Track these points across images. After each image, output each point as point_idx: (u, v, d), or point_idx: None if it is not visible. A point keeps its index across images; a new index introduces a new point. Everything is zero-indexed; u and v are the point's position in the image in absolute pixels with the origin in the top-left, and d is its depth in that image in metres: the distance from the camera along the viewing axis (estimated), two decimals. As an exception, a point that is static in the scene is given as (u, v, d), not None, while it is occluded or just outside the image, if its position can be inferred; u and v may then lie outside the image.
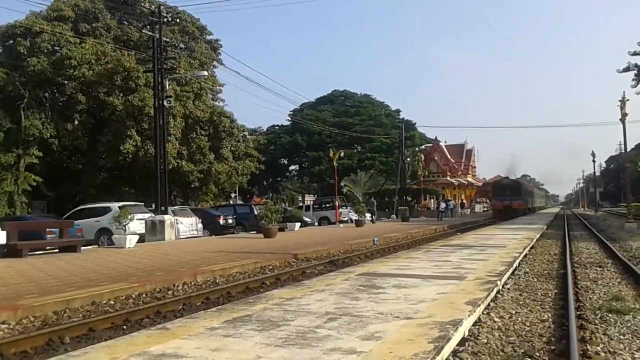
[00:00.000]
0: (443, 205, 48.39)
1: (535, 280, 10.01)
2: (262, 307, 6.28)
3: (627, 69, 38.79)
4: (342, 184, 51.40)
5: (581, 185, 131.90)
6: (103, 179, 35.21)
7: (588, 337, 5.74)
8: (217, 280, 10.93)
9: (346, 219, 39.13)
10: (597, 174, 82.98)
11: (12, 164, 31.08)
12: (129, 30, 37.84)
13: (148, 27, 25.14)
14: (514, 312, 6.97)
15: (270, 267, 13.01)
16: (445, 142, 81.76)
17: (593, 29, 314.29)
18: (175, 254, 15.34)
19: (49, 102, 33.60)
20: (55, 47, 35.21)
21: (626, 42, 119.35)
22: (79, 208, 23.42)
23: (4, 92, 31.78)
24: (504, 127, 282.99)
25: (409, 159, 57.71)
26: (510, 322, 6.38)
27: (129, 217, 18.61)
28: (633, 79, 38.93)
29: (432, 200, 64.41)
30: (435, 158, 76.91)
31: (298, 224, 28.88)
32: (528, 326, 6.25)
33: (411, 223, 36.68)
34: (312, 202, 49.37)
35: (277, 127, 72.55)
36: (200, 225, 25.47)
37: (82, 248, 16.66)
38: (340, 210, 39.51)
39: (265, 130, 67.61)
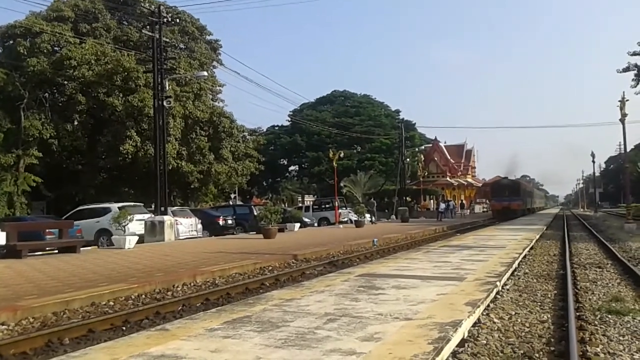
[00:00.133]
0: (443, 205, 48.37)
1: (535, 281, 10.01)
2: (262, 308, 6.28)
3: (627, 69, 38.87)
4: (341, 184, 51.36)
5: (581, 185, 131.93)
6: (103, 180, 35.20)
7: (587, 338, 5.74)
8: (217, 281, 10.93)
9: (346, 219, 39.14)
10: (597, 174, 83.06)
11: (11, 164, 31.07)
12: (129, 30, 37.85)
13: (148, 27, 25.14)
14: (513, 313, 6.97)
15: (270, 268, 13.01)
16: (445, 142, 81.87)
17: (594, 29, 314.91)
18: (174, 254, 15.34)
19: (48, 103, 33.58)
20: (55, 48, 35.21)
21: (627, 42, 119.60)
22: (78, 209, 23.43)
23: (4, 93, 31.77)
24: (503, 128, 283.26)
25: (408, 160, 57.72)
26: (509, 323, 6.37)
27: (129, 217, 18.60)
28: (633, 79, 39.01)
29: (431, 200, 64.42)
30: (435, 158, 76.92)
31: (298, 225, 28.89)
32: (527, 327, 6.25)
33: (411, 224, 36.68)
34: (311, 203, 49.38)
35: (276, 128, 72.56)
36: (199, 226, 25.47)
37: (81, 249, 16.66)
38: (340, 210, 39.52)
39: (264, 130, 67.64)
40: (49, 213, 32.86)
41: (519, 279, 10.10)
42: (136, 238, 18.54)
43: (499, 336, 5.74)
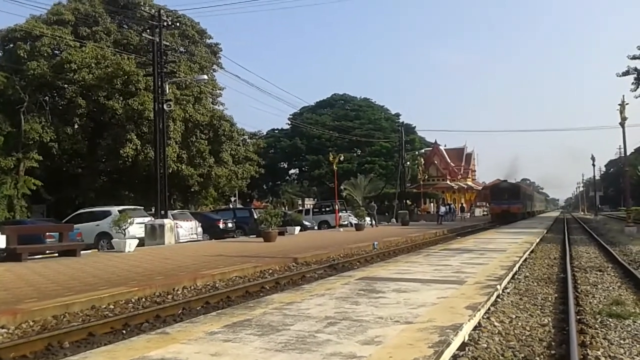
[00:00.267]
0: (443, 209, 48.39)
1: (536, 284, 10.01)
2: (262, 311, 6.27)
3: (626, 73, 38.84)
4: (341, 187, 51.38)
5: (581, 189, 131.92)
6: (103, 183, 35.18)
7: (588, 342, 5.73)
8: (217, 285, 10.92)
9: (346, 222, 39.11)
10: (597, 177, 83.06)
11: (11, 167, 31.07)
12: (129, 34, 37.89)
13: (148, 30, 25.15)
14: (514, 316, 6.96)
15: (270, 271, 13.00)
16: (445, 145, 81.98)
17: (594, 29, 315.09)
18: (174, 258, 15.33)
19: (49, 106, 33.59)
20: (55, 51, 35.22)
21: (627, 42, 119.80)
22: (78, 212, 23.42)
23: (4, 96, 31.79)
24: (503, 131, 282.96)
25: (408, 163, 57.77)
26: (510, 327, 6.37)
27: (129, 221, 18.58)
28: (633, 83, 38.98)
29: (432, 204, 64.44)
30: (435, 162, 76.99)
31: (298, 228, 28.87)
32: (528, 331, 6.25)
33: (411, 227, 36.70)
34: (311, 206, 49.39)
35: (276, 131, 72.63)
36: (199, 229, 25.46)
37: (81, 252, 16.63)
38: (340, 214, 39.49)
39: (265, 134, 67.60)
40: (49, 216, 32.83)
41: (519, 282, 10.09)
42: (136, 241, 18.52)
43: (499, 340, 5.73)
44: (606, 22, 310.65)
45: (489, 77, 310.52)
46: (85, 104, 33.07)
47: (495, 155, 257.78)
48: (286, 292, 8.38)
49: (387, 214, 52.67)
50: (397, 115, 75.19)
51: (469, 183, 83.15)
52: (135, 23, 37.54)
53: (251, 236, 26.95)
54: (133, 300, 8.99)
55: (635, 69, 38.17)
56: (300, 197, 72.65)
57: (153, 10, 27.20)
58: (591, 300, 8.38)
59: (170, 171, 29.21)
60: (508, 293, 8.72)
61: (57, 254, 16.42)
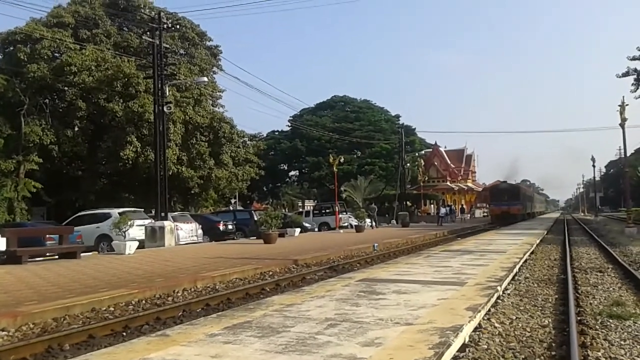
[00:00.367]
0: (443, 210, 48.37)
1: (536, 285, 10.00)
2: (262, 313, 6.27)
3: (626, 74, 38.87)
4: (342, 189, 51.39)
5: (581, 190, 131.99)
6: (103, 185, 35.19)
7: (589, 343, 5.73)
8: (217, 287, 10.91)
9: (346, 224, 39.10)
10: (597, 178, 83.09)
11: (12, 170, 31.10)
12: (129, 36, 37.92)
13: (148, 33, 25.19)
14: (514, 317, 6.96)
15: (270, 273, 13.00)
16: (445, 147, 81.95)
17: (594, 29, 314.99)
18: (175, 260, 15.33)
19: (49, 109, 33.64)
20: (56, 54, 35.28)
21: (627, 43, 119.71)
22: (78, 214, 23.40)
23: (4, 99, 31.83)
24: (503, 132, 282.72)
25: (408, 164, 57.77)
26: (510, 328, 6.36)
27: (129, 223, 18.59)
28: (632, 84, 39.01)
29: (432, 205, 64.43)
30: (435, 163, 77.01)
31: (298, 230, 28.87)
32: (529, 332, 6.24)
33: (411, 228, 36.69)
34: (312, 208, 49.38)
35: (276, 133, 72.67)
36: (200, 231, 25.46)
37: (81, 254, 16.65)
38: (340, 215, 39.49)
39: (265, 135, 67.76)
40: (49, 219, 32.89)
41: (519, 283, 10.09)
42: (136, 243, 18.53)
43: (500, 341, 5.73)
44: (606, 22, 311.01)
45: (489, 78, 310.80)
46: (86, 107, 33.12)
47: (496, 156, 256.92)
48: (286, 293, 8.38)
49: (387, 215, 52.69)
50: (397, 116, 75.26)
51: (469, 184, 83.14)
52: (136, 25, 37.59)
53: (251, 238, 26.96)
54: (133, 303, 8.98)
55: (635, 70, 38.19)
56: (301, 198, 72.68)
57: (153, 13, 27.23)
58: (591, 301, 8.38)
59: (170, 173, 29.23)
60: (508, 294, 8.72)
61: (57, 257, 16.43)
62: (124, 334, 7.17)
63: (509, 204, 44.19)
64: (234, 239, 27.82)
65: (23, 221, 28.29)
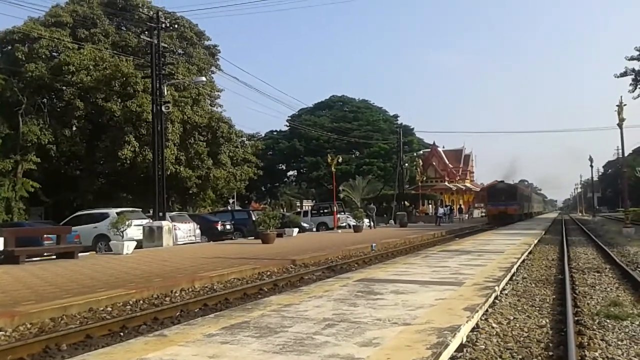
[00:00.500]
0: (441, 210, 48.38)
1: (534, 285, 10.01)
2: (260, 313, 6.27)
3: (624, 74, 38.94)
4: (340, 189, 51.40)
5: (579, 190, 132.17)
6: (101, 185, 35.16)
7: (586, 343, 5.73)
8: (215, 287, 10.91)
9: (344, 224, 39.12)
10: (595, 179, 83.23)
11: (9, 170, 31.05)
12: (127, 36, 37.89)
13: (146, 32, 25.17)
14: (512, 317, 6.96)
15: (268, 273, 12.99)
16: (444, 147, 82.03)
17: (594, 29, 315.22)
18: (173, 260, 15.32)
19: (47, 108, 33.61)
20: (54, 53, 35.23)
21: (627, 43, 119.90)
22: (76, 214, 23.37)
23: (2, 98, 31.77)
24: (502, 132, 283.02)
25: (407, 164, 57.78)
26: (508, 328, 6.37)
27: (127, 223, 18.57)
28: (630, 84, 39.09)
29: (430, 205, 64.47)
30: (433, 163, 77.06)
31: (296, 230, 28.86)
32: (526, 332, 6.25)
33: (409, 228, 36.70)
34: (310, 208, 49.38)
35: (275, 133, 72.63)
36: (198, 231, 25.44)
37: (79, 254, 16.62)
38: (338, 215, 39.51)
39: (263, 135, 67.71)
40: (47, 219, 32.85)
41: (517, 283, 10.10)
42: (134, 243, 18.50)
43: (497, 341, 5.74)
44: (606, 22, 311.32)
45: (488, 78, 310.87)
46: (84, 106, 33.08)
47: (495, 156, 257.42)
48: (284, 294, 8.38)
49: (385, 215, 52.69)
50: (396, 116, 75.29)
51: (467, 184, 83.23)
52: (134, 25, 37.58)
53: (249, 238, 26.95)
54: (131, 303, 8.97)
55: (633, 70, 38.26)
56: (299, 198, 72.70)
57: (151, 12, 27.18)
58: (589, 302, 8.39)
59: (168, 173, 29.20)
60: (506, 294, 8.72)
61: (55, 256, 16.40)
62: (122, 334, 7.16)
63: (506, 204, 43.84)
64: (232, 239, 27.81)
65: (21, 221, 28.23)
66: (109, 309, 8.49)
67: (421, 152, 77.50)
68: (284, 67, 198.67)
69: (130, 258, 16.21)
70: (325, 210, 41.20)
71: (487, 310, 7.09)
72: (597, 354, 5.34)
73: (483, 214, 67.16)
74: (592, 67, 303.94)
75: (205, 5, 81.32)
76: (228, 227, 28.50)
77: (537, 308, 7.76)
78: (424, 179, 65.85)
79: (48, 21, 35.43)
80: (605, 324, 6.70)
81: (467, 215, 63.61)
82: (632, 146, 68.09)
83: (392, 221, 48.41)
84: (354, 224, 34.26)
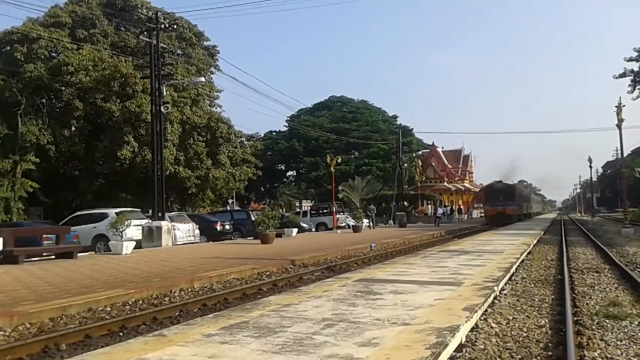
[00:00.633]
0: (440, 210, 48.35)
1: (533, 285, 10.02)
2: (259, 313, 6.27)
3: (623, 75, 39.03)
4: (339, 189, 51.41)
5: (578, 190, 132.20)
6: (100, 185, 35.12)
7: (585, 343, 5.74)
8: (214, 287, 10.91)
9: (343, 224, 39.12)
10: (594, 179, 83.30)
11: (8, 170, 31.02)
12: (126, 36, 37.88)
13: (145, 33, 25.15)
14: (511, 317, 6.97)
15: (268, 273, 13.00)
16: (443, 147, 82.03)
17: (596, 29, 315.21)
18: (172, 260, 15.32)
19: (46, 108, 33.57)
20: (53, 53, 35.20)
21: (629, 43, 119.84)
22: (75, 214, 23.36)
23: (1, 99, 31.75)
24: (501, 133, 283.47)
25: (406, 165, 57.79)
26: (507, 328, 6.37)
27: (126, 223, 18.57)
28: (629, 85, 39.17)
29: (429, 205, 64.48)
30: (433, 164, 77.05)
31: (295, 230, 28.88)
32: (525, 332, 6.25)
33: (408, 229, 36.72)
34: (309, 208, 49.37)
35: (274, 133, 72.65)
36: (197, 231, 25.43)
37: (78, 254, 16.61)
38: (338, 216, 39.51)
39: (262, 136, 67.74)
40: (46, 219, 32.80)
41: (516, 283, 10.10)
42: (133, 243, 18.50)
43: (496, 341, 5.74)
44: (609, 22, 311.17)
45: (490, 78, 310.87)
46: (83, 107, 33.05)
47: (496, 156, 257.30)
48: (283, 294, 8.38)
49: (384, 215, 52.70)
50: (395, 117, 75.33)
51: (467, 185, 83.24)
52: (133, 25, 37.58)
53: (248, 238, 26.94)
54: (130, 303, 8.97)
55: (632, 71, 38.34)
56: (298, 199, 72.70)
57: (150, 13, 27.19)
58: (588, 302, 8.39)
59: (167, 173, 29.19)
60: (505, 294, 8.73)
61: (54, 257, 16.40)
62: (121, 334, 7.17)
63: (504, 204, 43.33)
64: (231, 239, 27.81)
65: (20, 221, 28.19)
66: (108, 309, 8.49)
67: (420, 152, 77.55)
68: (284, 68, 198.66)
69: (130, 258, 16.21)
70: (325, 211, 41.19)
71: (486, 311, 7.09)
72: (596, 354, 5.34)
73: (482, 215, 67.16)
74: (594, 67, 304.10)
75: (204, 5, 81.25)
76: (227, 227, 28.49)
77: (536, 308, 7.76)
78: (423, 179, 65.84)
79: (47, 21, 35.42)
80: (605, 324, 6.70)
81: (466, 216, 63.62)
82: (631, 147, 68.31)
83: (391, 221, 48.43)
84: (353, 224, 34.27)
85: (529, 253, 15.95)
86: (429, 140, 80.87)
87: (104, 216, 21.77)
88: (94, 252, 19.85)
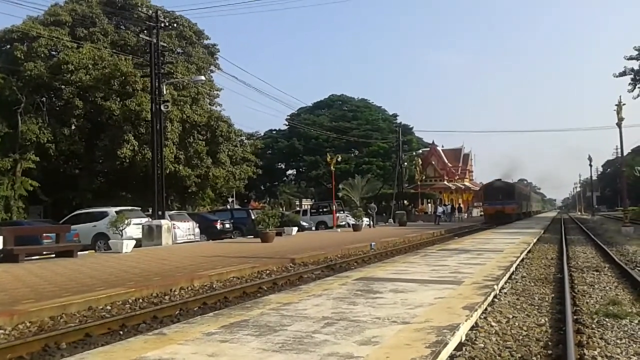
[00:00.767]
0: (440, 209, 48.32)
1: (533, 284, 10.02)
2: (259, 312, 6.27)
3: (623, 74, 38.99)
4: (339, 187, 51.42)
5: (578, 189, 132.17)
6: (100, 184, 35.15)
7: (585, 342, 5.74)
8: (214, 285, 10.92)
9: (343, 223, 39.14)
10: (594, 178, 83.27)
11: (8, 168, 31.02)
12: (126, 35, 37.87)
13: (145, 31, 25.13)
14: (511, 316, 6.97)
15: (268, 271, 13.00)
16: (443, 146, 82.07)
17: (594, 29, 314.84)
18: (172, 258, 15.32)
19: (46, 107, 33.56)
20: (53, 52, 35.18)
21: (627, 42, 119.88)
22: (75, 213, 23.36)
23: (1, 97, 31.74)
24: (501, 132, 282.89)
25: (406, 164, 57.80)
26: (507, 327, 6.37)
27: (126, 221, 18.56)
28: (629, 84, 39.13)
29: (429, 204, 64.48)
30: (433, 162, 77.09)
31: (295, 229, 28.88)
32: (525, 331, 6.26)
33: (408, 227, 36.73)
34: (309, 207, 49.37)
35: (274, 132, 72.61)
36: (197, 230, 25.44)
37: (78, 253, 16.60)
38: (338, 214, 39.51)
39: (262, 134, 67.71)
40: (46, 217, 32.78)
41: (516, 282, 10.11)
42: (133, 242, 18.49)
43: (496, 340, 5.74)
44: (606, 22, 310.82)
45: (488, 78, 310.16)
46: (83, 105, 33.05)
47: (495, 155, 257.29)
48: (283, 292, 8.38)
49: (384, 214, 52.71)
50: (395, 115, 75.26)
51: (467, 183, 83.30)
52: (133, 24, 37.56)
53: (249, 237, 26.95)
54: (130, 301, 8.98)
55: (632, 70, 38.30)
56: (298, 197, 72.67)
57: (150, 11, 27.20)
58: (588, 300, 8.40)
59: (167, 172, 29.19)
60: (505, 293, 8.73)
61: (54, 255, 16.40)
62: (121, 332, 7.17)
63: (503, 203, 42.94)
64: (231, 237, 27.81)
65: (20, 220, 28.22)
66: (108, 307, 8.49)
67: (420, 151, 77.51)
68: (285, 66, 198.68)
69: (130, 257, 16.21)
70: (325, 209, 41.20)
71: (486, 309, 7.09)
72: (596, 352, 5.35)
73: (482, 213, 67.07)
74: (592, 67, 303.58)
75: (205, 4, 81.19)
76: (227, 226, 28.49)
77: (536, 307, 7.77)
78: (423, 178, 65.86)
79: (47, 20, 35.40)
80: (604, 322, 6.71)
81: (466, 214, 63.61)
82: (631, 145, 68.29)
83: (391, 220, 48.42)
84: (353, 222, 34.27)
85: (528, 252, 15.95)
86: (429, 139, 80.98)
87: (104, 215, 21.77)
88: (94, 251, 19.85)
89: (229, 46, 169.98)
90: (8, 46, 35.16)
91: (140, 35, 27.01)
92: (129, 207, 24.29)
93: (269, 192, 71.45)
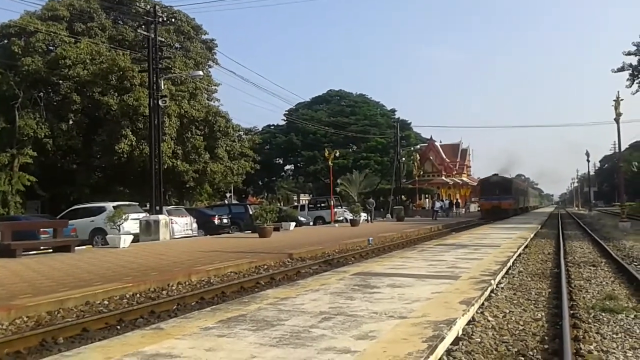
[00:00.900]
0: (438, 204, 48.32)
1: (529, 279, 10.04)
2: (257, 306, 6.28)
3: (621, 69, 39.02)
4: (337, 182, 51.42)
5: (575, 184, 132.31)
6: (98, 179, 35.10)
7: (581, 336, 5.76)
8: (212, 280, 10.93)
9: (341, 218, 39.13)
10: (592, 173, 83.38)
11: (6, 163, 30.99)
12: (124, 29, 37.77)
13: (143, 26, 25.04)
14: (507, 311, 6.99)
15: (265, 266, 13.01)
16: (441, 141, 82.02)
17: (594, 28, 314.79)
18: (169, 253, 15.32)
19: (43, 102, 33.50)
20: (50, 47, 35.11)
21: (626, 40, 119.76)
22: (73, 208, 23.35)
23: (-1, 92, 31.69)
24: (500, 127, 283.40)
25: (404, 159, 57.75)
26: (504, 321, 6.39)
27: (124, 216, 18.57)
28: (628, 79, 39.17)
29: (427, 199, 64.50)
30: (431, 158, 77.02)
31: (293, 224, 28.88)
32: (522, 325, 6.27)
33: (406, 222, 36.74)
34: (307, 202, 49.37)
35: (272, 127, 72.57)
36: (195, 225, 25.43)
37: (76, 248, 16.61)
38: (336, 209, 39.52)
39: (260, 130, 67.69)
40: (44, 212, 32.76)
41: (513, 277, 10.13)
42: (131, 237, 18.50)
43: (493, 334, 5.76)
44: (606, 21, 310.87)
45: (488, 74, 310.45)
46: (80, 100, 32.97)
47: (493, 150, 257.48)
48: (281, 287, 8.39)
49: (382, 209, 52.71)
50: (393, 111, 75.27)
51: (464, 179, 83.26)
52: (131, 19, 37.44)
53: (246, 232, 26.94)
54: (127, 296, 8.99)
55: (630, 65, 38.35)
56: (296, 192, 72.64)
57: (148, 6, 27.06)
58: (584, 295, 8.42)
59: (165, 167, 29.17)
60: (502, 288, 8.75)
61: (51, 250, 16.38)
62: (118, 327, 7.17)
63: (500, 198, 42.45)
64: (229, 232, 27.80)
65: (17, 215, 28.16)
66: (106, 302, 8.49)
67: (418, 146, 77.51)
68: (283, 61, 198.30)
69: (127, 252, 16.21)
70: (323, 204, 41.17)
71: (483, 304, 7.11)
72: (592, 347, 5.37)
73: (479, 209, 67.03)
74: (592, 65, 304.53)
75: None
76: (225, 221, 28.49)
77: (533, 301, 7.78)
78: (421, 173, 65.82)
79: (45, 15, 35.30)
80: (601, 317, 6.73)
81: (463, 210, 63.61)
82: (628, 141, 68.44)
83: (389, 215, 48.42)
84: (351, 218, 34.28)
85: (526, 247, 15.98)
86: (427, 134, 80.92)
87: (101, 210, 21.76)
88: (91, 246, 19.86)
89: (227, 41, 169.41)
90: (5, 41, 35.04)
91: (138, 30, 26.94)
92: (127, 202, 24.28)
93: (267, 187, 71.43)
